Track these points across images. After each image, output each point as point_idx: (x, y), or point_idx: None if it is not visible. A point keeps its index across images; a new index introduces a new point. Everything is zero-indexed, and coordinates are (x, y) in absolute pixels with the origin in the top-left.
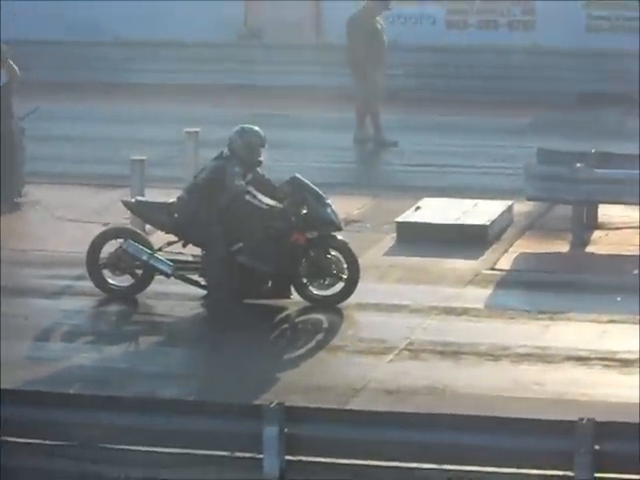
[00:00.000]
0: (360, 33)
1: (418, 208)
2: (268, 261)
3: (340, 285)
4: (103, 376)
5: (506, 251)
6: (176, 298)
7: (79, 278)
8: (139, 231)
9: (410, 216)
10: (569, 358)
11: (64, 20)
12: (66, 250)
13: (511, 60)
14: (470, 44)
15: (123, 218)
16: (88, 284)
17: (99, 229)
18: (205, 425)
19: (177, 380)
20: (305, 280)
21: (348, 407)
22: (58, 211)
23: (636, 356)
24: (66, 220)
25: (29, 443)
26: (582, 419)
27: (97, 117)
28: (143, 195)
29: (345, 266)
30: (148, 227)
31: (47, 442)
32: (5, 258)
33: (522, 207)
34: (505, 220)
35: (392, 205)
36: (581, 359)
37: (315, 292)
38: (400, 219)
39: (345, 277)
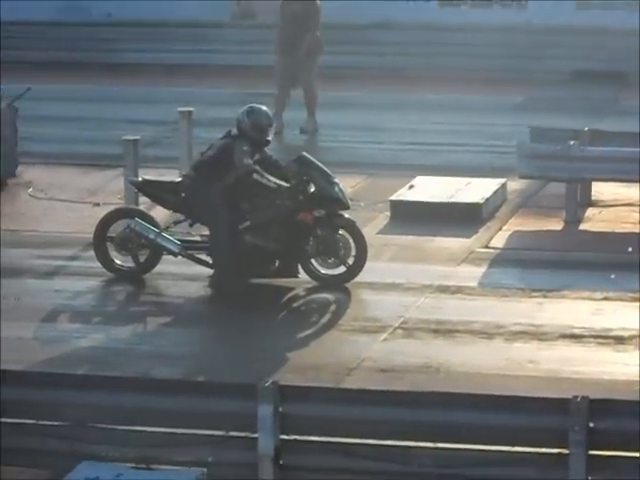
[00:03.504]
0: (280, 15)
1: (412, 186)
2: (275, 240)
3: (348, 263)
4: (107, 356)
5: (500, 229)
6: (182, 278)
7: (74, 258)
8: (146, 211)
9: (404, 194)
10: (563, 336)
11: (55, 0)
12: (60, 230)
13: (504, 38)
14: (463, 22)
15: (116, 198)
16: (82, 264)
17: (91, 209)
18: (199, 404)
19: (176, 360)
20: (312, 259)
21: (342, 386)
22: (51, 191)
23: (630, 333)
24: (59, 200)
25: (22, 423)
26: (576, 397)
27: (89, 97)
28: (137, 175)
29: (352, 244)
30: (142, 206)
31: (41, 422)
32: None
33: (515, 185)
34: (498, 198)
35: (386, 183)
36: (575, 337)
37: (323, 271)
38: (394, 197)
39: (350, 263)
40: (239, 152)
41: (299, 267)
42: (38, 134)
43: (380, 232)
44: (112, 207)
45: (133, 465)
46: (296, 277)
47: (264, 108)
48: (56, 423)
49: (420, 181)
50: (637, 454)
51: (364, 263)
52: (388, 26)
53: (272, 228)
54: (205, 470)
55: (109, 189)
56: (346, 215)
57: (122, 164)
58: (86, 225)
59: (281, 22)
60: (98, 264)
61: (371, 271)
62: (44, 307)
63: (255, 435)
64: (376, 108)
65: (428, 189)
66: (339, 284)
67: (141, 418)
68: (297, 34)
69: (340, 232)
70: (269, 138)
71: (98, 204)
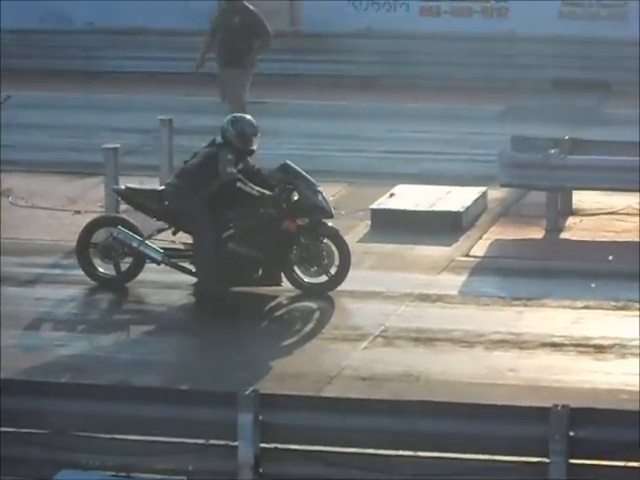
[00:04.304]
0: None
1: (392, 195)
2: (259, 248)
3: (331, 272)
4: (88, 364)
5: (480, 238)
6: (164, 286)
7: (55, 266)
8: (129, 219)
9: (384, 203)
10: (543, 344)
11: (37, 8)
12: (41, 238)
13: (485, 47)
14: (444, 31)
15: (97, 206)
16: (63, 272)
17: (72, 217)
18: (180, 412)
19: (157, 368)
20: (296, 267)
21: (323, 394)
22: (32, 199)
23: (611, 342)
24: (40, 208)
25: (3, 432)
26: (556, 405)
27: (70, 105)
28: (117, 183)
29: (336, 253)
30: (123, 214)
31: (22, 430)
32: None
33: (496, 194)
34: (479, 207)
35: (366, 192)
36: (555, 345)
37: (306, 280)
38: (374, 206)
39: (333, 272)
40: (223, 161)
41: (282, 275)
42: (19, 142)
43: (361, 240)
44: (93, 215)
45: (113, 473)
46: (279, 285)
47: (248, 117)
48: (37, 431)
49: (401, 189)
50: (617, 463)
51: (347, 272)
52: (369, 35)
53: (256, 236)
54: (185, 478)
55: (90, 197)
56: (329, 224)
57: (103, 172)
58: (67, 233)
59: (216, 33)
60: (79, 272)
61: (352, 279)
62: (25, 315)
63: (235, 443)
64: (357, 116)
65: (409, 197)
66: (322, 293)
67: (121, 426)
68: (235, 45)
69: (324, 241)
70: (253, 147)
71: (79, 212)
